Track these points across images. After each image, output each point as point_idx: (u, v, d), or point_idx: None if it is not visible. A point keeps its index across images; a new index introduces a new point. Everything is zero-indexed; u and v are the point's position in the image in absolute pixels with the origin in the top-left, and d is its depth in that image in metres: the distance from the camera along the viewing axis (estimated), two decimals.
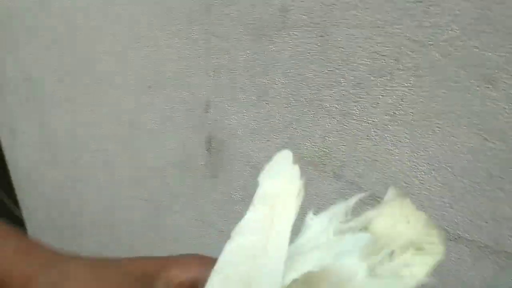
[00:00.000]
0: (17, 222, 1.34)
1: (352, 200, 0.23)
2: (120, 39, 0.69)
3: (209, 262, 0.22)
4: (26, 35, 0.87)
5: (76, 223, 1.04)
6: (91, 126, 0.84)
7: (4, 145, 1.16)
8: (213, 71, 0.59)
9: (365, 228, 0.22)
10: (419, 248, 0.21)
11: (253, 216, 0.21)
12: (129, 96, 0.73)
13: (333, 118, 0.50)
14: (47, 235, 1.17)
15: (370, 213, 0.22)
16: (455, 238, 0.46)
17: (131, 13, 0.65)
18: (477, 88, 0.39)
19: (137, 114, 0.74)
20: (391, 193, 0.24)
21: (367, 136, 0.48)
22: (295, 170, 0.22)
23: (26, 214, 1.24)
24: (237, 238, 0.21)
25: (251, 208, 0.21)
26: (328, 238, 0.22)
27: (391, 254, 0.21)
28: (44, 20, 0.81)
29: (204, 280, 0.22)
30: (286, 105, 0.54)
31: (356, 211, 0.23)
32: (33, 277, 0.23)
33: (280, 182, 0.22)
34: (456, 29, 0.38)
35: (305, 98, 0.52)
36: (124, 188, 0.85)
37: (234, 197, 0.66)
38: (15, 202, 1.29)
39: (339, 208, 0.23)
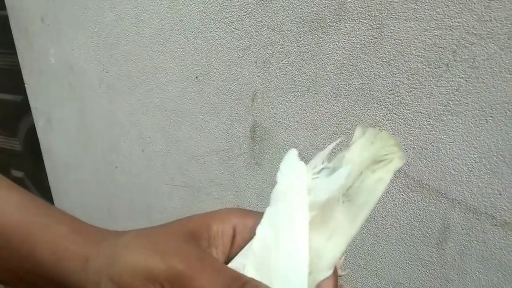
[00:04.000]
0: None
1: (328, 149, 0.26)
2: (170, 30, 0.72)
3: (244, 212, 0.26)
4: (71, 25, 0.90)
5: (112, 208, 1.07)
6: (132, 114, 0.88)
7: (39, 132, 1.20)
8: (263, 62, 0.62)
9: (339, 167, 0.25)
10: (381, 161, 0.24)
11: (272, 211, 0.24)
12: (175, 85, 0.76)
13: (385, 107, 0.52)
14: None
15: (342, 152, 0.25)
16: (502, 224, 0.48)
17: (185, 5, 0.68)
18: None
19: (182, 103, 0.76)
20: (358, 131, 0.26)
21: (419, 125, 0.50)
22: (301, 167, 0.25)
23: (57, 199, 1.28)
24: (261, 230, 0.24)
25: (271, 204, 0.25)
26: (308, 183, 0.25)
27: (360, 176, 0.24)
28: (92, 11, 0.84)
29: (241, 229, 0.25)
30: (336, 95, 0.56)
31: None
32: (90, 256, 0.25)
33: (290, 179, 0.25)
34: None
35: (356, 88, 0.54)
36: (162, 174, 0.88)
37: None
38: (45, 192, 1.33)
39: (317, 159, 0.26)
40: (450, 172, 0.50)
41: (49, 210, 0.28)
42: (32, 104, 1.17)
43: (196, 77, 0.72)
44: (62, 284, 0.25)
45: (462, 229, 0.51)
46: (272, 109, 0.64)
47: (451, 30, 0.44)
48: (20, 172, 1.45)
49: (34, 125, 1.22)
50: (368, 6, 0.49)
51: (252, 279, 0.23)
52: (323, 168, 0.25)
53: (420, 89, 0.48)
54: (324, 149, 0.26)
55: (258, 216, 0.26)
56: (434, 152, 0.50)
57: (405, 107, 0.50)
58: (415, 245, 0.56)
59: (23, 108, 1.25)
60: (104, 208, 1.10)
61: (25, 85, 1.14)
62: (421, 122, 0.50)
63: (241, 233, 0.26)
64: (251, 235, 0.25)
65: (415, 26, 0.46)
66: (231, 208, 0.27)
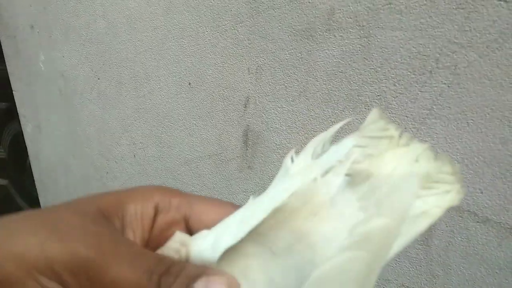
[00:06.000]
0: None
1: (331, 131, 0.21)
2: (164, 38, 0.74)
3: (168, 190, 0.23)
4: (63, 33, 0.91)
5: None
6: (124, 120, 0.89)
7: (27, 138, 1.20)
8: (256, 69, 0.64)
9: (357, 171, 0.20)
10: (431, 188, 0.20)
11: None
12: (168, 91, 0.78)
13: None
14: None
15: (360, 153, 0.20)
16: (484, 221, 0.51)
17: (178, 13, 0.70)
18: (510, 85, 0.44)
19: (174, 109, 0.78)
20: (374, 117, 0.21)
21: (405, 128, 0.53)
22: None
23: (45, 206, 1.27)
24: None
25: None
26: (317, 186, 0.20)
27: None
28: (84, 19, 0.85)
29: (165, 207, 0.22)
30: (326, 100, 0.59)
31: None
32: None
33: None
34: (493, 33, 0.43)
35: (345, 94, 0.57)
36: (154, 179, 0.90)
37: (268, 187, 0.71)
38: (29, 199, 1.32)
39: (320, 141, 0.21)
40: None
41: None
42: (20, 111, 1.17)
43: (189, 84, 0.74)
44: None
45: (446, 226, 0.54)
46: (264, 114, 0.66)
47: (434, 39, 0.47)
48: (4, 180, 1.44)
49: (19, 132, 1.22)
50: (357, 17, 0.52)
51: (178, 261, 0.19)
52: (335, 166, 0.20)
53: (406, 94, 0.52)
54: (324, 132, 0.21)
55: (184, 195, 0.23)
56: None
57: (391, 111, 0.53)
58: None
59: (8, 115, 1.25)
60: None
61: (13, 92, 1.14)
62: (407, 126, 0.53)
63: (164, 212, 0.22)
64: (175, 215, 0.22)
65: (401, 35, 0.49)
66: (153, 186, 0.23)
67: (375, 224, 0.19)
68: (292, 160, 0.21)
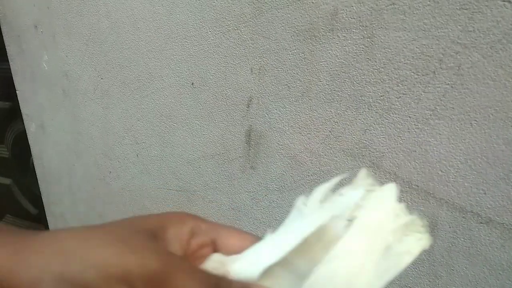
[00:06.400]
0: (31, 219, 1.38)
1: (333, 182, 0.27)
2: (167, 38, 0.74)
3: (196, 216, 0.27)
4: (66, 33, 0.92)
5: (105, 213, 1.08)
6: (127, 120, 0.89)
7: (30, 138, 1.21)
8: (259, 69, 0.64)
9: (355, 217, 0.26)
10: (409, 235, 0.26)
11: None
12: (171, 91, 0.78)
13: (376, 112, 0.55)
14: (72, 225, 1.21)
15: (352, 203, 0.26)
16: (487, 222, 0.51)
17: (181, 14, 0.70)
18: None
19: (177, 109, 0.78)
20: (363, 175, 0.27)
21: (408, 129, 0.53)
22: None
23: (48, 205, 1.28)
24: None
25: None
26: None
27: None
28: (87, 18, 0.86)
29: (197, 232, 0.26)
30: (329, 101, 0.59)
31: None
32: (20, 250, 0.19)
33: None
34: (497, 34, 0.43)
35: (348, 94, 0.57)
36: (157, 179, 0.90)
37: (270, 187, 0.71)
38: (33, 198, 1.33)
39: (326, 191, 0.27)
40: (438, 173, 0.53)
41: None
42: (23, 110, 1.17)
43: (192, 84, 0.74)
44: None
45: (450, 227, 0.54)
46: (267, 114, 0.66)
47: (437, 40, 0.47)
48: (7, 179, 1.45)
49: (22, 131, 1.22)
50: (360, 17, 0.52)
51: (225, 277, 0.23)
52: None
53: (409, 95, 0.51)
54: (327, 183, 0.26)
55: (210, 222, 0.27)
56: (422, 154, 0.53)
57: (394, 112, 0.53)
58: None
59: (12, 115, 1.25)
60: (96, 213, 1.10)
61: (17, 91, 1.15)
62: (410, 126, 0.53)
63: (196, 237, 0.26)
64: (205, 239, 0.26)
65: (404, 36, 0.49)
66: (184, 212, 0.27)
67: (370, 216, 0.25)
68: (304, 203, 0.27)
